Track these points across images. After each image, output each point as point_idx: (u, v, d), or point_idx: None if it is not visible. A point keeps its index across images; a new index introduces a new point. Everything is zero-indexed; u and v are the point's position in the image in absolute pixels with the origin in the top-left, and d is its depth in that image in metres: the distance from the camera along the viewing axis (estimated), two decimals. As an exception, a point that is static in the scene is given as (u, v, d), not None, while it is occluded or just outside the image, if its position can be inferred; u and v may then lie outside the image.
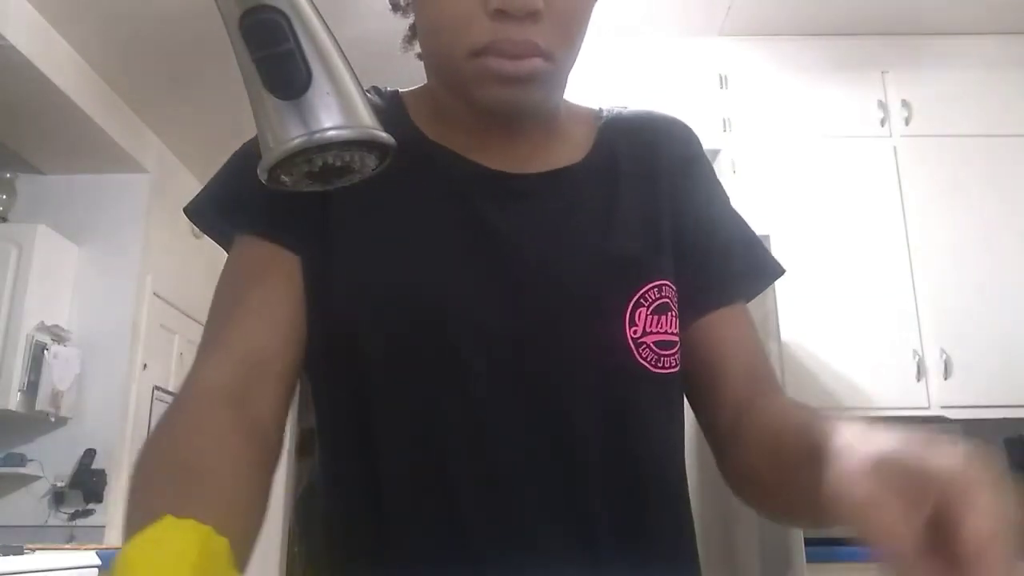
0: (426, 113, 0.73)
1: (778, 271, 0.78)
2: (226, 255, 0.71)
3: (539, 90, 0.65)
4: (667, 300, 0.68)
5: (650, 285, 0.67)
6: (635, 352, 0.66)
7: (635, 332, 0.66)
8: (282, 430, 0.64)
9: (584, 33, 0.67)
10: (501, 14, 0.60)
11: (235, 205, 0.70)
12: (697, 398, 0.72)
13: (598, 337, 0.66)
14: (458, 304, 0.65)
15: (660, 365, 0.67)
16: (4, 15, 2.81)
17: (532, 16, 0.60)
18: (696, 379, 0.71)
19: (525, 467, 0.64)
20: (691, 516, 0.73)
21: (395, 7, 0.75)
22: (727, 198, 0.78)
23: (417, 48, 0.74)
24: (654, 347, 0.67)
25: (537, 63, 0.62)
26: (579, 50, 0.68)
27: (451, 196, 0.69)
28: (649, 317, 0.67)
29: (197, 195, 0.73)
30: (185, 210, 0.72)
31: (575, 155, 0.72)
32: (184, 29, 3.10)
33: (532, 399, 0.65)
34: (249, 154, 0.70)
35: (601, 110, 0.78)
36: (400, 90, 0.77)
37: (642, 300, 0.67)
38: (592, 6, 0.67)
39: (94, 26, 3.11)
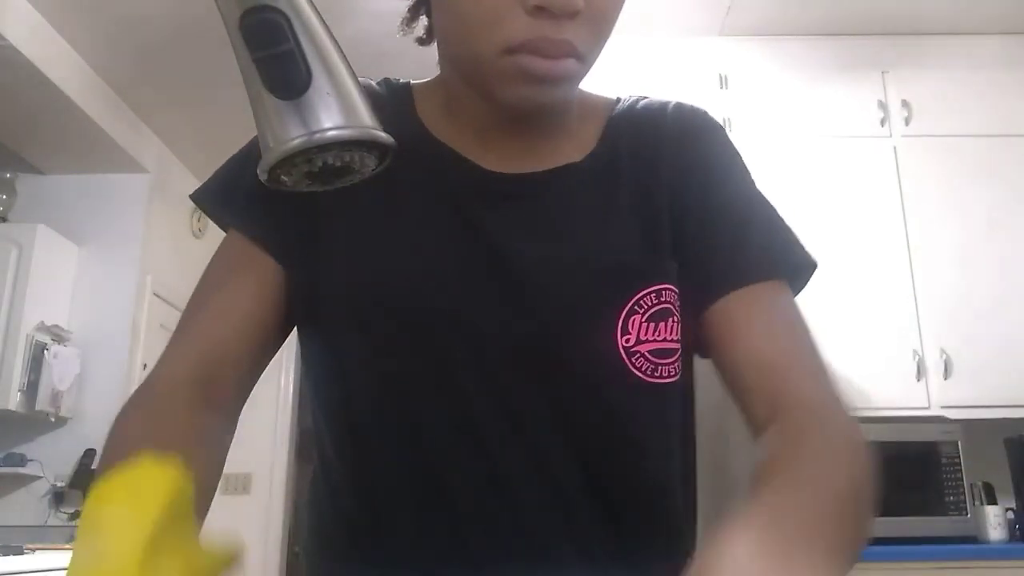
0: (434, 107, 0.71)
1: (809, 263, 0.70)
2: None
3: (568, 91, 0.64)
4: (667, 305, 0.64)
5: (646, 291, 0.64)
6: (628, 362, 0.63)
7: (628, 341, 0.63)
8: (237, 414, 0.67)
9: (615, 21, 0.64)
10: (541, 11, 0.57)
11: (229, 198, 0.71)
12: (729, 389, 0.65)
13: (587, 348, 0.63)
14: (447, 308, 0.64)
15: (656, 375, 0.64)
16: (4, 15, 2.80)
17: (571, 15, 0.58)
18: (719, 371, 0.66)
19: (519, 472, 0.63)
20: (691, 526, 0.72)
21: None
22: (747, 178, 0.72)
23: (415, 32, 0.72)
24: (649, 356, 0.64)
25: (571, 64, 0.60)
26: (609, 35, 0.65)
27: (444, 197, 0.67)
28: (644, 324, 0.63)
29: (205, 182, 0.74)
30: (191, 196, 0.74)
31: (578, 152, 0.70)
32: (184, 29, 3.10)
33: (524, 406, 0.64)
34: (254, 147, 0.71)
35: (618, 100, 0.74)
36: (412, 82, 0.75)
37: (636, 307, 0.64)
38: (623, 5, 0.64)
39: (94, 26, 3.11)
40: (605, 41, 0.64)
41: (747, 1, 2.91)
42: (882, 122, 2.95)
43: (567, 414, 0.64)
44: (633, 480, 0.66)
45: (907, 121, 2.95)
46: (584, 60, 0.61)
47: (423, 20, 0.72)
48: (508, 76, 0.61)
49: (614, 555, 0.64)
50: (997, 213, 2.85)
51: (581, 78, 0.64)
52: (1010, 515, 2.59)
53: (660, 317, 0.64)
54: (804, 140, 2.92)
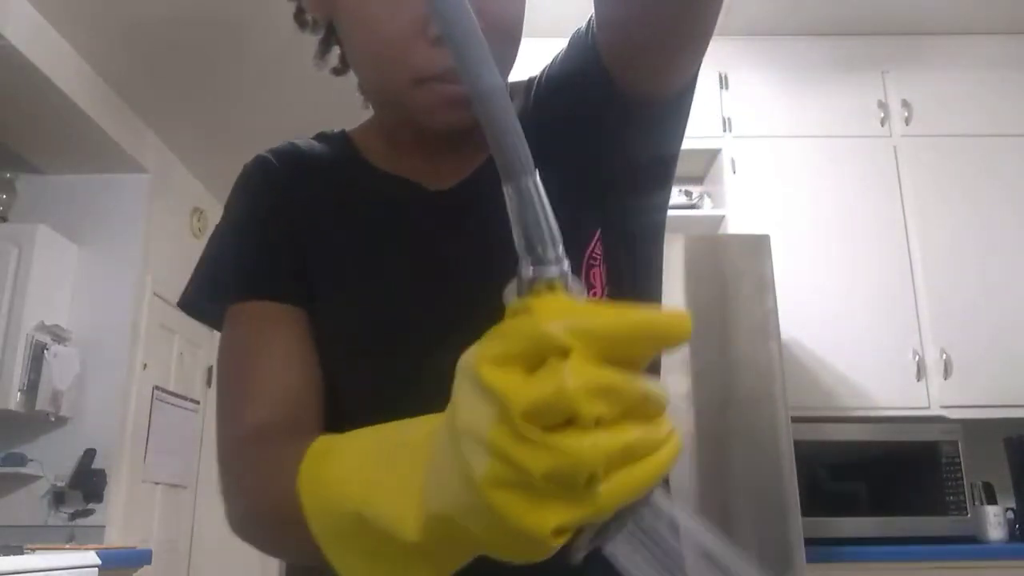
0: (377, 143, 0.73)
1: None
2: None
3: None
4: (606, 246, 0.67)
5: (593, 243, 0.66)
6: None
7: (594, 294, 0.65)
8: None
9: (521, 33, 0.66)
10: (442, 39, 0.60)
11: (220, 282, 0.70)
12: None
13: None
14: (415, 340, 0.65)
15: None
16: (4, 15, 2.81)
17: None
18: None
19: None
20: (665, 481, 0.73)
21: (302, 24, 0.72)
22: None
23: (329, 64, 0.74)
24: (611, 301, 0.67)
25: None
26: (518, 49, 0.67)
27: (402, 228, 0.69)
28: (603, 274, 0.66)
29: (183, 292, 0.73)
30: (179, 305, 0.73)
31: None
32: (185, 29, 3.10)
33: None
34: (213, 247, 0.72)
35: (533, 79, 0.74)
36: (347, 130, 0.77)
37: (591, 262, 0.66)
38: (523, 11, 0.65)
39: (94, 26, 3.11)
40: (515, 49, 0.65)
41: (747, 1, 2.91)
42: (882, 122, 2.95)
43: None
44: None
45: (907, 121, 2.95)
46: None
47: (336, 49, 0.72)
48: (424, 105, 0.62)
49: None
50: (997, 213, 2.85)
51: None
52: (1010, 515, 2.59)
53: (610, 261, 0.66)
54: (804, 140, 2.93)
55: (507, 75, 0.68)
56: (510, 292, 0.35)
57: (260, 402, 0.61)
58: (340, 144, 0.75)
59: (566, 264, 0.34)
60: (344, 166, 0.72)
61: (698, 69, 0.65)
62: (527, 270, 0.34)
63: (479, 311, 0.64)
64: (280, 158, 0.73)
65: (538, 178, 0.33)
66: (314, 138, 0.76)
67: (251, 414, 0.60)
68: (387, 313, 0.67)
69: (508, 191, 0.33)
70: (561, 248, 0.34)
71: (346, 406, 0.67)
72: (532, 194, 0.33)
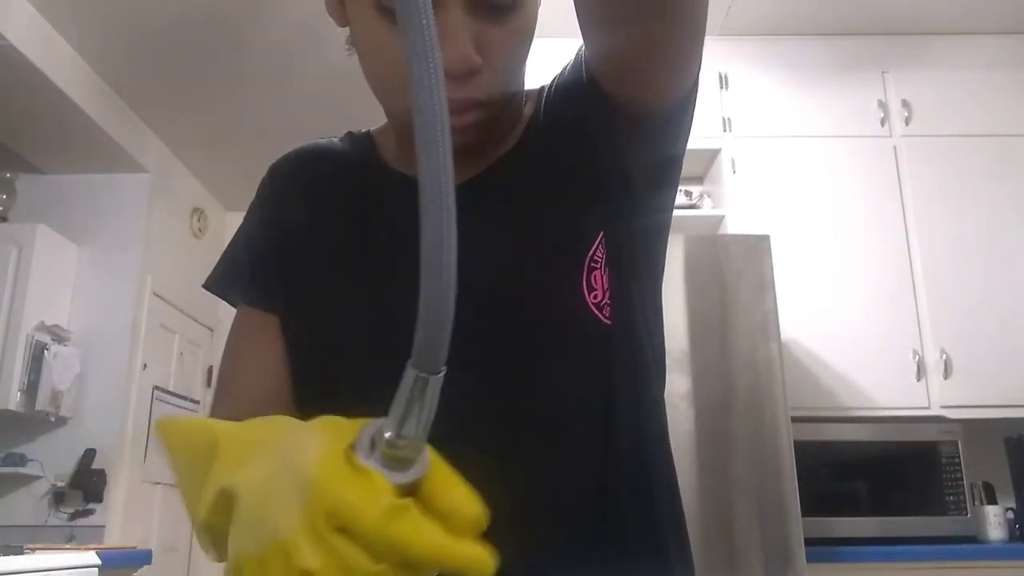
0: (392, 144, 0.75)
1: None
2: None
3: (482, 132, 0.66)
4: (610, 249, 0.68)
5: (595, 245, 0.67)
6: (600, 316, 0.66)
7: (595, 297, 0.66)
8: None
9: (525, 64, 0.67)
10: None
11: (231, 279, 0.79)
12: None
13: (563, 324, 0.66)
14: (410, 333, 0.66)
15: (621, 316, 0.68)
16: (4, 15, 2.81)
17: (470, 75, 0.60)
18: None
19: (508, 466, 0.64)
20: (672, 481, 0.72)
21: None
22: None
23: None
24: (612, 304, 0.67)
25: (476, 114, 0.63)
26: (524, 77, 0.69)
27: (405, 222, 0.69)
28: (604, 277, 0.67)
29: (212, 270, 0.81)
30: (204, 286, 0.81)
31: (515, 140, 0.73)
32: (185, 29, 3.10)
33: (510, 413, 0.65)
34: (244, 230, 0.79)
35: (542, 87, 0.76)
36: (371, 130, 0.81)
37: (593, 264, 0.66)
38: (531, 42, 0.66)
39: (94, 26, 3.11)
40: (517, 77, 0.68)
41: (747, 1, 2.91)
42: (882, 122, 2.95)
43: (564, 408, 0.66)
44: (630, 444, 0.67)
45: (907, 121, 2.95)
46: (492, 104, 0.64)
47: None
48: None
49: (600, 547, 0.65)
50: (997, 213, 2.85)
51: (495, 115, 0.66)
52: (1010, 515, 2.59)
53: (612, 263, 0.67)
54: (804, 140, 2.92)
55: (517, 92, 0.69)
56: (367, 429, 0.37)
57: (229, 404, 0.71)
58: (363, 143, 0.79)
59: (424, 454, 0.36)
60: (361, 165, 0.76)
61: (694, 82, 0.66)
62: (386, 431, 0.36)
63: (486, 305, 0.66)
64: (300, 157, 0.78)
65: (441, 379, 0.35)
66: (341, 138, 0.80)
67: (219, 415, 0.69)
68: (382, 306, 0.68)
69: (412, 376, 0.35)
70: (425, 446, 0.36)
71: (339, 395, 0.69)
72: (432, 393, 0.35)
